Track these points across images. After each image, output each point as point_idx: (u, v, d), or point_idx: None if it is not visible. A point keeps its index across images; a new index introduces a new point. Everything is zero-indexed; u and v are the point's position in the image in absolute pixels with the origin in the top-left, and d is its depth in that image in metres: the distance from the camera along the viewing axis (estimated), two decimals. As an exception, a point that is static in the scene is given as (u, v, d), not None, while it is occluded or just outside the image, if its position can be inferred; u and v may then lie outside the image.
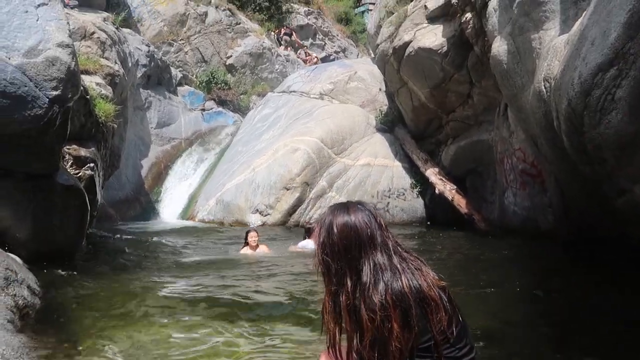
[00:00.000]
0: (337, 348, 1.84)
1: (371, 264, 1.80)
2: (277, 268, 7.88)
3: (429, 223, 13.96)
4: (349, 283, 1.80)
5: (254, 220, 13.55)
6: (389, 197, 14.30)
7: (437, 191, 13.38)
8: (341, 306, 1.79)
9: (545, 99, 6.33)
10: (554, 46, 6.38)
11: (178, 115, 18.23)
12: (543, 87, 6.36)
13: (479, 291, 5.99)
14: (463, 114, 12.98)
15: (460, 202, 12.77)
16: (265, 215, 13.57)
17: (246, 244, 9.10)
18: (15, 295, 3.89)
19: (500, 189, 11.45)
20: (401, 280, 1.76)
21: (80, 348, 3.83)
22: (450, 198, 12.97)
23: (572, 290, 5.91)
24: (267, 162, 14.24)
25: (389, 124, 15.39)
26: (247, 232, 9.29)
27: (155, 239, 11.20)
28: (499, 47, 8.29)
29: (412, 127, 14.81)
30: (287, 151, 14.14)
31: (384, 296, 1.72)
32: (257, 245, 9.06)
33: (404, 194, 14.42)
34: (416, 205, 14.40)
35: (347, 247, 1.84)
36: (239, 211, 13.80)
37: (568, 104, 5.24)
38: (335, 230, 1.87)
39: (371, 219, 1.89)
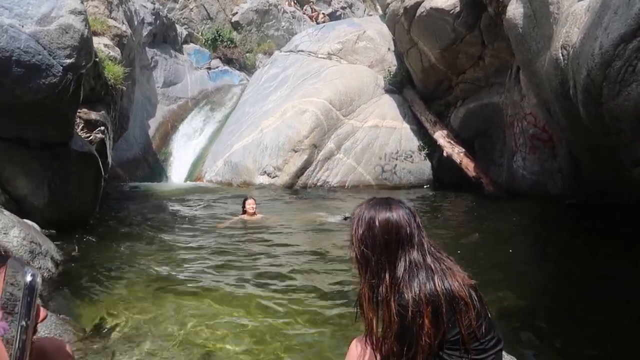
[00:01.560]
0: (374, 336, 1.91)
1: (407, 261, 1.87)
2: (282, 235, 7.87)
3: (436, 185, 14.08)
4: (387, 277, 1.87)
5: (262, 181, 13.62)
6: (397, 159, 14.32)
7: (445, 154, 13.39)
8: (379, 298, 1.87)
9: (562, 67, 6.23)
10: (574, 12, 6.23)
11: (184, 74, 18.06)
12: (560, 55, 6.25)
13: (485, 262, 6.02)
14: (473, 75, 12.84)
15: (469, 165, 12.81)
16: (273, 177, 13.60)
17: (244, 212, 8.95)
18: (40, 267, 3.95)
19: (509, 152, 11.45)
20: (434, 279, 1.83)
21: (98, 322, 3.90)
22: (458, 161, 13.01)
23: (580, 260, 5.97)
24: (275, 123, 14.18)
25: (398, 85, 15.25)
26: (245, 200, 9.11)
27: (164, 201, 11.28)
28: (515, 9, 8.10)
29: (421, 89, 14.67)
30: (295, 113, 14.05)
31: (417, 293, 1.79)
32: (255, 214, 8.93)
33: (411, 156, 14.43)
34: (424, 167, 14.44)
35: (387, 242, 1.90)
36: (247, 172, 13.83)
37: (587, 74, 5.16)
38: (377, 224, 1.92)
39: (411, 218, 1.95)
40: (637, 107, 4.76)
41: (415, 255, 1.88)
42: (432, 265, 1.87)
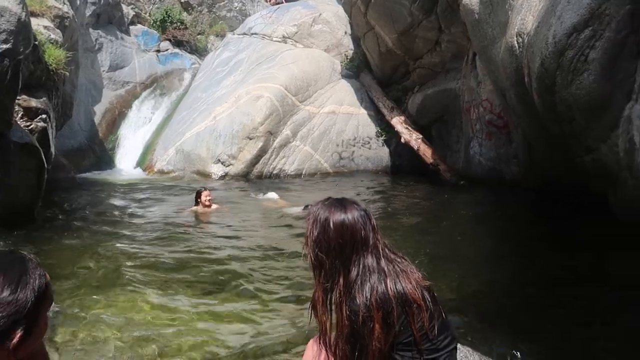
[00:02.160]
0: (327, 339, 1.95)
1: (361, 265, 1.89)
2: (237, 226, 7.87)
3: (394, 172, 14.24)
4: (341, 281, 1.89)
5: (216, 170, 13.54)
6: (354, 145, 14.41)
7: (402, 140, 13.54)
8: (333, 302, 1.90)
9: (517, 54, 6.40)
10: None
11: (131, 57, 17.60)
12: (515, 42, 6.41)
13: (441, 251, 6.11)
14: (431, 61, 13.01)
15: (426, 152, 12.98)
16: (228, 166, 13.54)
17: (197, 203, 8.79)
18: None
19: (466, 138, 11.68)
20: (386, 282, 1.85)
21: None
22: (415, 147, 13.17)
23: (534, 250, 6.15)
24: (229, 110, 14.08)
25: (355, 70, 15.32)
26: (199, 192, 8.91)
27: (111, 192, 11.05)
28: (471, -5, 8.23)
29: (378, 73, 14.78)
30: (250, 99, 13.98)
31: (368, 298, 1.82)
32: (210, 206, 8.78)
33: (369, 143, 14.54)
34: (381, 154, 14.58)
35: (342, 246, 1.91)
36: (201, 161, 13.70)
37: (541, 63, 5.32)
38: (331, 227, 1.93)
39: (366, 220, 1.96)
40: (588, 95, 4.95)
41: (369, 259, 1.90)
42: (386, 268, 1.89)
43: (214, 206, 8.86)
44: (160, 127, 15.98)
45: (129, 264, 5.42)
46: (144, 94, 17.24)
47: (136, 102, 16.88)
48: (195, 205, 8.82)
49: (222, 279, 5.00)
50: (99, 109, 16.02)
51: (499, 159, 10.18)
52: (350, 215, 1.94)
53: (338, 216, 1.94)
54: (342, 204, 2.00)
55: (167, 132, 15.24)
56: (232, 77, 15.50)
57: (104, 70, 16.66)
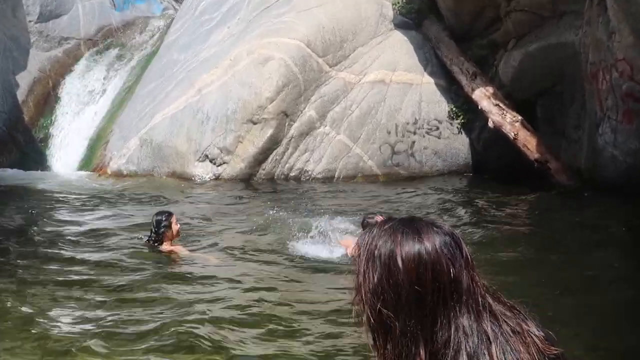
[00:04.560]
0: None
1: (452, 325, 1.80)
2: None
3: (476, 173, 14.18)
4: (422, 353, 1.79)
5: (202, 172, 13.62)
6: (415, 133, 14.39)
7: (490, 124, 13.45)
8: None
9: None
10: None
11: (72, 2, 17.76)
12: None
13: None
14: (534, 0, 12.86)
15: (528, 142, 12.86)
16: (220, 165, 13.60)
17: (158, 238, 8.27)
18: None
19: (592, 121, 11.49)
20: (490, 351, 1.77)
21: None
22: (511, 135, 13.05)
23: None
24: (221, 79, 14.15)
25: (415, 17, 15.19)
26: (159, 218, 8.37)
27: (40, 203, 11.06)
28: None
29: (451, 21, 14.68)
30: (253, 62, 14.00)
31: None
32: (178, 236, 8.47)
33: (438, 129, 14.49)
34: (457, 145, 14.54)
35: (421, 295, 1.81)
36: (178, 158, 13.72)
37: None
38: (400, 265, 1.81)
39: (456, 251, 1.83)
40: None
41: (463, 315, 1.81)
42: (490, 329, 1.79)
43: (183, 250, 8.54)
44: (116, 107, 16.05)
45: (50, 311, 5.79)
46: (92, 56, 17.33)
47: (79, 68, 16.96)
48: (153, 242, 8.37)
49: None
50: (23, 80, 16.18)
51: (646, 152, 10.01)
52: (430, 245, 1.81)
53: (410, 247, 1.81)
54: (414, 226, 1.87)
55: (126, 114, 15.26)
56: (226, 30, 15.46)
57: (31, 21, 16.79)
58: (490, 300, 1.85)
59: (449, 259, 1.80)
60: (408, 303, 1.79)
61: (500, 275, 6.67)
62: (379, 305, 1.81)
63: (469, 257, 1.83)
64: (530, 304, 1.93)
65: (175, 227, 8.32)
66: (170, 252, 8.31)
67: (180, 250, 8.45)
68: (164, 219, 8.29)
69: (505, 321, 1.83)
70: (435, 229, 1.84)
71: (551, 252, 8.56)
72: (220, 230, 9.89)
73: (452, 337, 1.77)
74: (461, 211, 11.20)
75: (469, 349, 1.76)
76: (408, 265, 1.79)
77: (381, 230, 1.87)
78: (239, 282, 7.50)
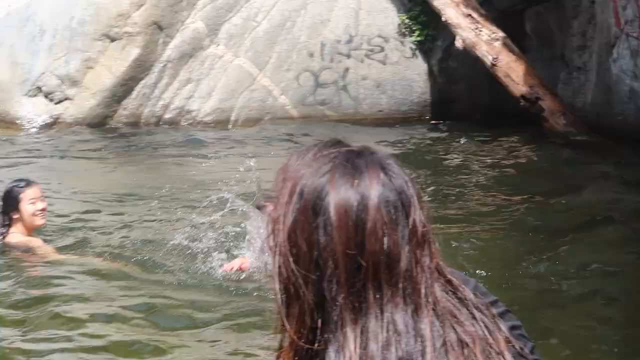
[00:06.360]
0: None
1: (384, 316, 1.57)
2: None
3: (438, 118, 14.03)
4: (351, 343, 1.50)
5: (32, 113, 13.39)
6: (349, 56, 13.97)
7: (459, 43, 13.21)
8: None
9: None
10: None
11: None
12: None
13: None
14: None
15: (512, 70, 12.72)
16: (59, 102, 13.36)
17: (9, 222, 7.81)
18: None
19: (603, 39, 11.81)
20: (425, 357, 1.57)
21: None
22: (488, 60, 12.87)
23: None
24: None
25: None
26: (14, 192, 7.87)
27: None
28: None
29: None
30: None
31: None
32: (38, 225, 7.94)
33: (382, 50, 13.98)
34: (410, 75, 14.11)
35: (354, 259, 1.51)
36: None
37: None
38: (333, 216, 1.51)
39: (398, 215, 1.55)
40: None
41: (398, 306, 1.54)
42: (428, 332, 1.56)
43: (46, 247, 8.09)
44: None
45: None
46: None
47: None
48: (6, 226, 7.92)
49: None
50: None
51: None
52: (366, 196, 1.52)
53: (343, 192, 1.51)
54: (357, 163, 1.55)
55: None
56: None
57: None
58: (439, 294, 1.65)
59: (384, 224, 1.55)
60: (327, 267, 1.55)
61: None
62: (291, 263, 1.58)
63: (417, 228, 1.58)
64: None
65: (30, 204, 7.89)
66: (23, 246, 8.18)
67: (40, 246, 8.12)
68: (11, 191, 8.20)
69: (453, 326, 1.62)
70: (382, 175, 1.57)
71: (550, 251, 8.23)
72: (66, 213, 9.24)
73: (382, 331, 1.57)
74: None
75: (400, 353, 1.55)
76: (340, 215, 1.56)
77: (317, 155, 1.62)
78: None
